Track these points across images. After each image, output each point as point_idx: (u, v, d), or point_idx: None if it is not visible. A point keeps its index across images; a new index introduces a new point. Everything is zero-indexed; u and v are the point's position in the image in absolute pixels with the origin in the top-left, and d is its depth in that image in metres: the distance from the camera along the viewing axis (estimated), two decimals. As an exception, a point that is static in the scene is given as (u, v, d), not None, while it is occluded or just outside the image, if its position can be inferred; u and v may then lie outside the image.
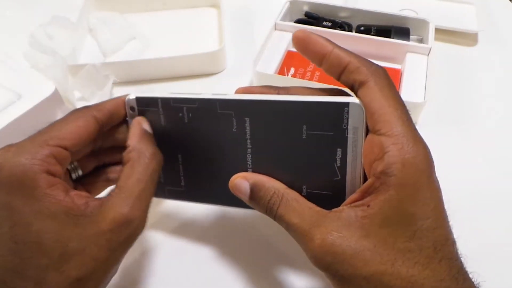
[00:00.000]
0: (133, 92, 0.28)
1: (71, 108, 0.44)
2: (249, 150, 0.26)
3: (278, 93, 0.26)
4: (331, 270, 0.21)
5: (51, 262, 0.21)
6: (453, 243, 0.21)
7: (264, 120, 0.25)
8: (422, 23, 0.51)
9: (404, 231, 0.20)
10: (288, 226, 0.23)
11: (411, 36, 0.50)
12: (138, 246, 0.33)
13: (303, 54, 0.25)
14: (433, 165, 0.21)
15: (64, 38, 0.49)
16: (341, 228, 0.21)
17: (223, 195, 0.27)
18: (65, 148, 0.24)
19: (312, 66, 0.47)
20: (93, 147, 0.28)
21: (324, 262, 0.21)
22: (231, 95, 0.26)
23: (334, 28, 0.51)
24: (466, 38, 0.54)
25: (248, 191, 0.25)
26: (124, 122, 0.29)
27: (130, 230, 0.23)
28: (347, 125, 0.23)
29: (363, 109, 0.22)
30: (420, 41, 0.51)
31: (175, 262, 0.32)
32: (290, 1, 0.54)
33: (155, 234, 0.34)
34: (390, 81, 0.23)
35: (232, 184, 0.26)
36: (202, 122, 0.27)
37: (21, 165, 0.22)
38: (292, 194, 0.24)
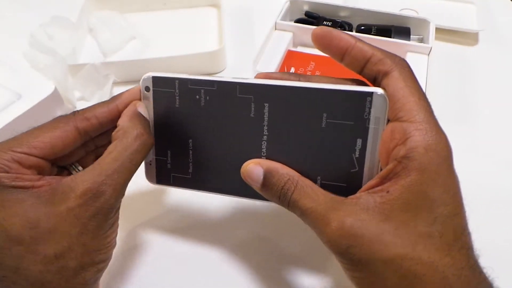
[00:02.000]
0: (150, 71, 0.27)
1: (71, 108, 0.44)
2: (265, 137, 0.25)
3: (299, 80, 0.25)
4: (348, 254, 0.21)
5: (24, 247, 0.21)
6: (469, 234, 0.21)
7: (284, 106, 0.25)
8: (423, 23, 0.50)
9: (425, 216, 0.20)
10: (303, 212, 0.23)
11: (411, 36, 0.50)
12: (137, 243, 0.33)
13: (323, 50, 0.25)
14: (452, 154, 0.21)
15: (64, 38, 0.49)
16: (359, 212, 0.21)
17: (232, 184, 0.27)
18: (33, 155, 0.24)
19: (312, 65, 0.47)
20: (86, 149, 0.28)
21: (341, 245, 0.21)
22: (251, 79, 0.25)
23: (334, 28, 0.51)
24: (466, 37, 0.54)
25: (261, 177, 0.25)
26: None
27: (98, 204, 0.23)
28: (369, 115, 0.23)
29: (387, 99, 0.22)
30: (421, 40, 0.51)
31: (174, 260, 0.32)
32: (290, 0, 0.54)
33: (154, 230, 0.34)
34: (412, 72, 0.23)
35: (244, 170, 0.25)
36: (219, 106, 0.26)
37: None
38: (307, 182, 0.24)
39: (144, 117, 0.27)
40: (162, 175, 0.29)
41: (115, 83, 0.47)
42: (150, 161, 0.29)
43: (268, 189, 0.24)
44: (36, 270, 0.21)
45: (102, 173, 0.23)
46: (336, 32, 0.24)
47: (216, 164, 0.28)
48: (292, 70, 0.47)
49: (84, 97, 0.45)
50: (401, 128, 0.21)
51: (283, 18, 0.52)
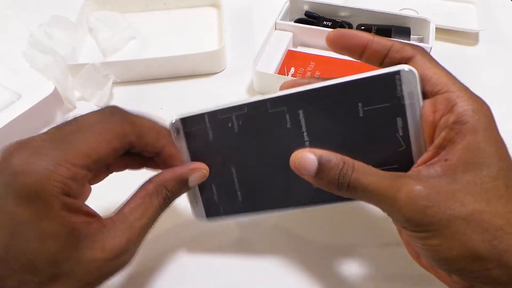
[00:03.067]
0: (175, 115, 0.27)
1: (70, 108, 0.44)
2: (306, 142, 0.25)
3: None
4: (426, 217, 0.21)
5: (38, 281, 0.21)
6: None
7: (318, 108, 0.25)
8: (423, 23, 0.50)
9: (487, 172, 0.21)
10: (366, 188, 0.23)
11: (411, 36, 0.50)
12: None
13: (341, 51, 0.26)
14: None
15: (63, 38, 0.49)
16: (425, 181, 0.21)
17: (282, 198, 0.27)
18: (86, 169, 0.23)
19: (312, 65, 0.47)
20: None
21: (418, 208, 0.21)
22: (278, 92, 0.26)
23: (335, 28, 0.51)
24: (466, 37, 0.54)
25: (316, 164, 0.24)
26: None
27: (121, 262, 0.23)
28: (402, 92, 0.23)
29: (415, 72, 0.23)
30: (421, 40, 0.51)
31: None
32: (290, 0, 0.54)
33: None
34: (432, 57, 0.24)
35: (296, 159, 0.25)
36: (254, 127, 0.26)
37: (38, 183, 0.21)
38: (362, 163, 0.24)
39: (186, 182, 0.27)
40: (212, 210, 0.29)
41: (115, 83, 0.47)
42: (196, 200, 0.30)
43: (324, 175, 0.24)
44: None
45: (131, 230, 0.24)
46: (351, 31, 0.25)
47: (264, 183, 0.28)
48: (292, 70, 0.47)
49: (84, 97, 0.45)
50: (444, 99, 0.22)
51: (283, 18, 0.52)
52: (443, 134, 0.22)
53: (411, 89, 0.23)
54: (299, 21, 0.54)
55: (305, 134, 0.25)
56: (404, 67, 0.23)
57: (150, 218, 0.25)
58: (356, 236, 0.33)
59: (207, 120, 0.27)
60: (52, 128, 0.23)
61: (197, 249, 0.33)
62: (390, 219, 0.27)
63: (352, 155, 0.24)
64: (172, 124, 0.28)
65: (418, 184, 0.21)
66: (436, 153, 0.22)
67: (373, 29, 0.51)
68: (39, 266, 0.21)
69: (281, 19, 0.51)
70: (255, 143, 0.27)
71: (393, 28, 0.50)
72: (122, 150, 0.24)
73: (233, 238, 0.34)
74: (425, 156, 0.23)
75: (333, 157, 0.24)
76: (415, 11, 0.57)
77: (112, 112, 0.24)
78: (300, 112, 0.25)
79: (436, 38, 0.48)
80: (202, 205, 0.30)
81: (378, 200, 0.23)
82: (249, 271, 0.32)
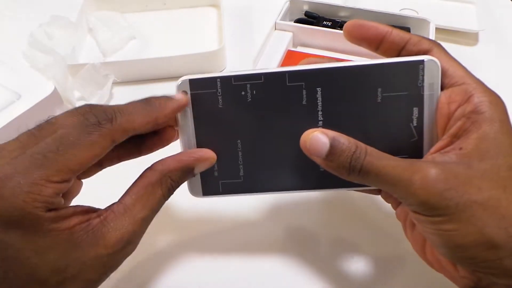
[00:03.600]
0: (185, 75, 0.26)
1: (70, 108, 0.44)
2: (320, 122, 0.25)
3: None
4: (444, 200, 0.20)
5: None
6: None
7: (337, 88, 0.24)
8: (423, 23, 0.50)
9: (504, 161, 0.21)
10: (379, 172, 0.22)
11: (411, 36, 0.50)
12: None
13: (358, 42, 0.26)
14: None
15: (63, 38, 0.49)
16: (440, 166, 0.21)
17: (287, 179, 0.26)
18: (70, 180, 0.22)
19: (312, 65, 0.47)
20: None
21: (436, 191, 0.20)
22: (299, 66, 0.25)
23: (334, 28, 0.51)
24: (466, 37, 0.54)
25: (328, 145, 0.23)
26: None
27: (125, 252, 0.23)
28: (423, 82, 0.23)
29: (438, 64, 0.23)
30: (421, 40, 0.51)
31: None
32: (290, 0, 0.54)
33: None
34: (448, 52, 0.24)
35: (307, 139, 0.24)
36: (268, 99, 0.25)
37: (19, 208, 0.19)
38: (374, 149, 0.23)
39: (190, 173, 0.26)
40: (209, 185, 0.27)
41: (115, 83, 0.47)
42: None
43: (335, 157, 0.23)
44: None
45: (134, 222, 0.23)
46: (370, 22, 0.25)
47: (269, 161, 0.26)
48: (292, 70, 0.47)
49: (83, 97, 0.45)
50: (461, 90, 0.23)
51: (283, 18, 0.52)
52: (459, 123, 0.22)
53: (432, 80, 0.23)
54: (299, 21, 0.54)
55: (320, 113, 0.25)
56: (428, 57, 0.23)
57: (153, 209, 0.24)
58: (358, 234, 0.33)
59: (219, 84, 0.25)
60: (23, 134, 0.22)
61: (197, 249, 0.33)
62: (394, 217, 0.27)
63: (363, 139, 0.23)
64: (180, 85, 0.25)
65: (434, 167, 0.21)
66: (451, 142, 0.23)
67: (373, 29, 0.51)
68: (43, 277, 0.20)
69: (281, 19, 0.51)
70: (267, 117, 0.25)
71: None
72: (107, 150, 0.23)
73: (232, 237, 0.34)
74: (439, 144, 0.23)
75: (345, 140, 0.23)
76: (415, 11, 0.57)
77: (84, 112, 0.22)
78: (319, 89, 0.25)
79: (436, 38, 0.48)
80: (199, 181, 0.28)
81: (392, 184, 0.22)
82: (249, 270, 0.32)
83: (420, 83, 0.23)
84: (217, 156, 0.27)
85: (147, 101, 0.24)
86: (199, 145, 0.27)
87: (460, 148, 0.22)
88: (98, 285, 0.23)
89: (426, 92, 0.23)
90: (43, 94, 0.39)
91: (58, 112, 0.24)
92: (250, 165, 0.27)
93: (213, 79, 0.25)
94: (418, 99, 0.24)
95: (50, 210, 0.20)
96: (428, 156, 0.23)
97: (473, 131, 0.22)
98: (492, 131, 0.21)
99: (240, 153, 0.27)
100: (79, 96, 0.46)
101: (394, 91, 0.24)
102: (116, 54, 0.52)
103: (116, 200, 0.24)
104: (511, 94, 0.47)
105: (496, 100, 0.22)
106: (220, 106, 0.26)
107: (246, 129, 0.26)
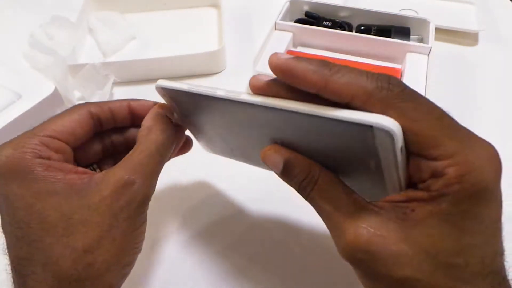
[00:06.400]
0: (159, 81, 0.26)
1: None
2: (278, 140, 0.24)
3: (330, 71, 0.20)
4: (362, 266, 0.20)
5: (55, 239, 0.21)
6: (502, 253, 0.20)
7: (293, 127, 0.22)
8: (422, 23, 0.51)
9: (450, 246, 0.19)
10: (321, 211, 0.22)
11: (411, 36, 0.50)
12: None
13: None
14: (500, 172, 0.19)
15: (64, 38, 0.49)
16: (379, 226, 0.20)
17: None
18: (57, 139, 0.24)
19: (312, 65, 0.47)
20: (103, 146, 0.28)
21: (355, 258, 0.20)
22: (254, 98, 0.22)
23: (334, 28, 0.51)
24: (466, 37, 0.54)
25: (281, 165, 0.23)
26: None
27: (130, 193, 0.23)
28: (375, 143, 0.19)
29: (392, 133, 0.18)
30: (421, 40, 0.51)
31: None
32: (290, 1, 0.54)
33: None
34: (404, 84, 0.19)
35: (264, 155, 0.24)
36: (230, 116, 0.25)
37: (11, 156, 0.23)
38: (329, 176, 0.22)
39: (166, 116, 0.27)
40: (212, 149, 0.33)
41: (115, 83, 0.47)
42: (198, 138, 0.32)
43: (287, 179, 0.23)
44: (64, 266, 0.21)
45: (132, 165, 0.24)
46: (301, 66, 0.20)
47: (249, 153, 0.29)
48: (292, 70, 0.47)
49: (84, 97, 0.45)
50: (429, 168, 0.19)
51: (283, 18, 0.52)
52: (420, 194, 0.19)
53: (386, 150, 0.19)
54: (299, 21, 0.54)
55: (278, 136, 0.23)
56: (381, 122, 0.18)
57: (151, 151, 0.25)
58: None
59: (184, 97, 0.25)
60: None
61: (197, 248, 0.33)
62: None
63: (326, 163, 0.22)
64: (156, 86, 0.27)
65: (369, 229, 0.20)
66: (406, 201, 0.20)
67: (372, 29, 0.51)
68: (51, 223, 0.21)
69: (281, 19, 0.51)
70: (234, 126, 0.26)
71: (393, 28, 0.50)
72: (92, 126, 0.26)
73: (232, 238, 0.34)
74: (395, 196, 0.20)
75: (297, 166, 0.22)
76: (415, 11, 0.57)
77: (76, 105, 0.27)
78: (275, 121, 0.22)
79: (436, 38, 0.48)
80: (204, 144, 0.32)
81: (328, 227, 0.22)
82: (249, 270, 0.32)
83: (372, 144, 0.19)
84: (206, 138, 0.30)
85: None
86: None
87: (413, 210, 0.19)
88: (113, 234, 0.22)
89: (381, 154, 0.19)
90: (43, 94, 0.39)
91: (58, 112, 0.25)
92: (235, 149, 0.30)
93: (180, 92, 0.25)
94: (373, 154, 0.20)
95: (40, 157, 0.23)
96: (380, 202, 0.21)
97: (432, 204, 0.19)
98: (449, 212, 0.19)
99: (223, 142, 0.29)
100: (79, 96, 0.46)
101: (349, 143, 0.20)
102: (116, 54, 0.52)
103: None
104: (511, 94, 0.48)
105: (474, 179, 0.18)
106: (192, 111, 0.27)
107: (220, 131, 0.28)
